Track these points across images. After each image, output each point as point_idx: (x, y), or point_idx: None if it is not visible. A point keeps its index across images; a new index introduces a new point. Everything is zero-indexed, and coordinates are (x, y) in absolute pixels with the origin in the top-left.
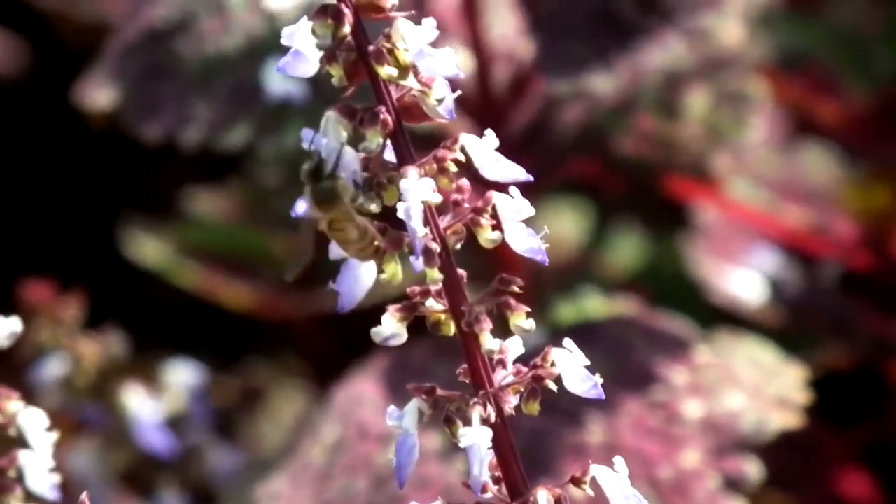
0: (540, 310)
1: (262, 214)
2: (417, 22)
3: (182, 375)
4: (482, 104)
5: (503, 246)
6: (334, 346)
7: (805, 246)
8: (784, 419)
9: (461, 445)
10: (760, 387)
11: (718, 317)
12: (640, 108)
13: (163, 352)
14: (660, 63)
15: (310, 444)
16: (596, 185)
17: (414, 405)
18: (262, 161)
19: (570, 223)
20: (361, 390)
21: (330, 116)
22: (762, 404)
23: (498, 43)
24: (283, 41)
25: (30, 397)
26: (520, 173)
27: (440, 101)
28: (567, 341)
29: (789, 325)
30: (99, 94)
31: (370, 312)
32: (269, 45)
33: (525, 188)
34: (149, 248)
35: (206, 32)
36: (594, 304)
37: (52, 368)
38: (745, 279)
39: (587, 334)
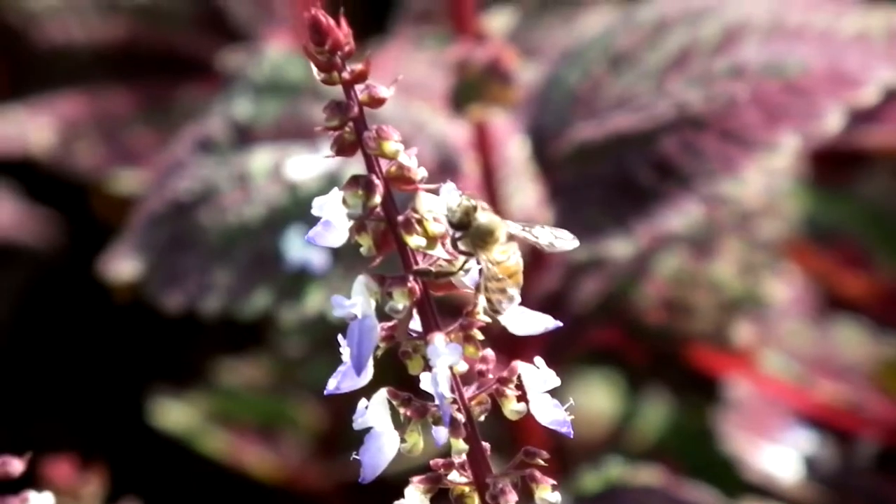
0: (565, 478)
1: (288, 383)
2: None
3: None
4: None
5: (528, 416)
6: None
7: (839, 423)
8: None
9: None
10: None
11: (750, 492)
12: (660, 275)
13: None
14: (678, 228)
15: None
16: (621, 354)
17: None
18: (284, 330)
19: (599, 393)
20: None
21: (360, 281)
22: None
23: (518, 212)
24: (313, 211)
25: None
26: (548, 322)
27: (466, 271)
28: None
29: None
30: (123, 266)
31: (395, 482)
32: (289, 214)
33: (549, 358)
34: (175, 416)
35: (228, 203)
36: (620, 473)
37: None
38: (778, 456)
39: (611, 503)
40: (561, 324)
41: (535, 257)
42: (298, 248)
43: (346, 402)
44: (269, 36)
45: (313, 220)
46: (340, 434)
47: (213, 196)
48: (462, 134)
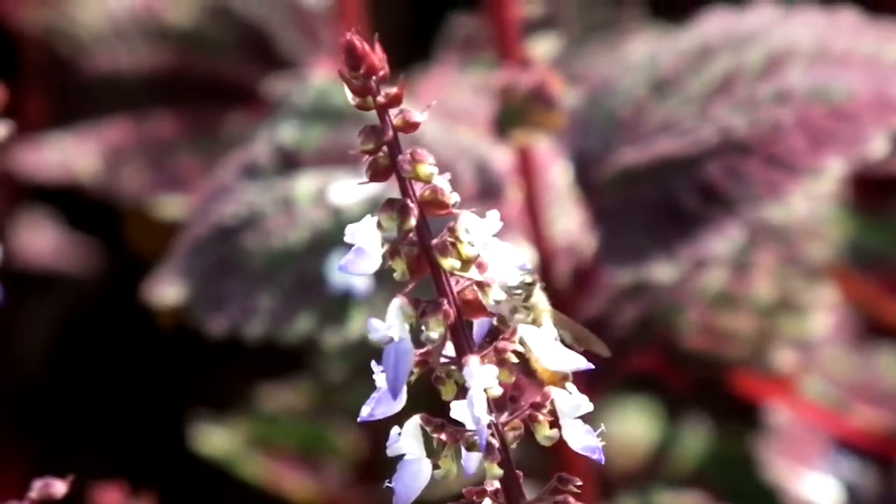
0: None
1: (329, 409)
2: (481, 217)
3: None
4: None
5: (564, 444)
6: None
7: (880, 450)
8: None
9: None
10: None
11: None
12: (701, 300)
13: None
14: (721, 252)
15: None
16: (661, 379)
17: None
18: (327, 355)
19: (638, 420)
20: None
21: (395, 304)
22: None
23: (560, 237)
24: (346, 238)
25: None
26: (580, 363)
27: (506, 287)
28: None
29: None
30: (167, 291)
31: None
32: (333, 238)
33: (588, 383)
34: (215, 441)
35: (272, 227)
36: (661, 501)
37: None
38: (819, 483)
39: None
40: (593, 366)
41: (578, 280)
42: (341, 273)
43: (387, 428)
44: (314, 63)
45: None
46: (380, 460)
47: (258, 221)
48: (506, 159)
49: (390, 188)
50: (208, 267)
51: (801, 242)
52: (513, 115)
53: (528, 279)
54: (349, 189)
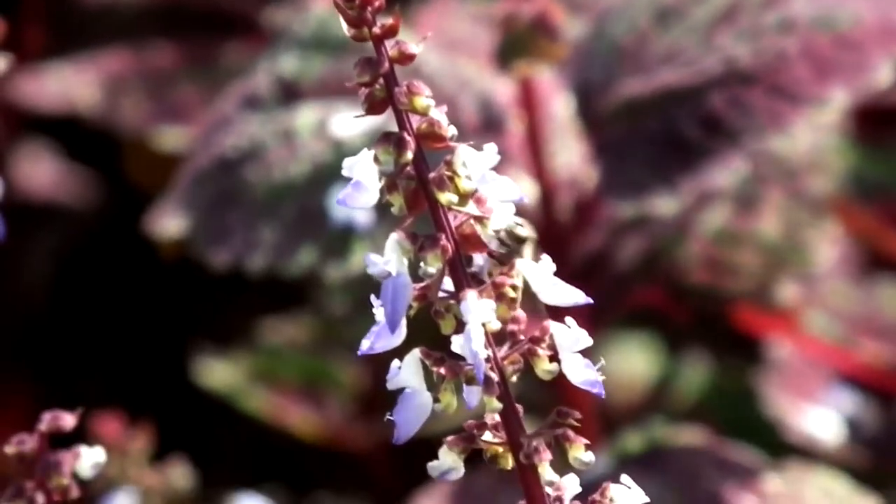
0: (607, 440)
1: (331, 343)
2: (479, 150)
3: None
4: (545, 232)
5: (565, 378)
6: (402, 474)
7: (882, 384)
8: None
9: None
10: None
11: (792, 454)
12: (703, 234)
13: (232, 485)
14: (724, 184)
15: None
16: (663, 314)
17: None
18: (329, 289)
19: (639, 355)
20: None
21: (392, 239)
22: None
23: (562, 171)
24: (344, 172)
25: None
26: (579, 297)
27: (497, 231)
28: (625, 477)
29: (867, 466)
30: (170, 223)
31: (437, 441)
32: (334, 171)
33: (591, 318)
34: (218, 374)
35: (274, 160)
36: (662, 434)
37: (121, 502)
38: (821, 417)
39: (655, 463)
40: (591, 301)
41: (579, 215)
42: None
43: (389, 362)
44: None
45: None
46: (383, 394)
47: (260, 153)
48: (507, 91)
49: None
50: (210, 199)
51: (804, 176)
52: (515, 45)
53: (523, 233)
54: (350, 121)
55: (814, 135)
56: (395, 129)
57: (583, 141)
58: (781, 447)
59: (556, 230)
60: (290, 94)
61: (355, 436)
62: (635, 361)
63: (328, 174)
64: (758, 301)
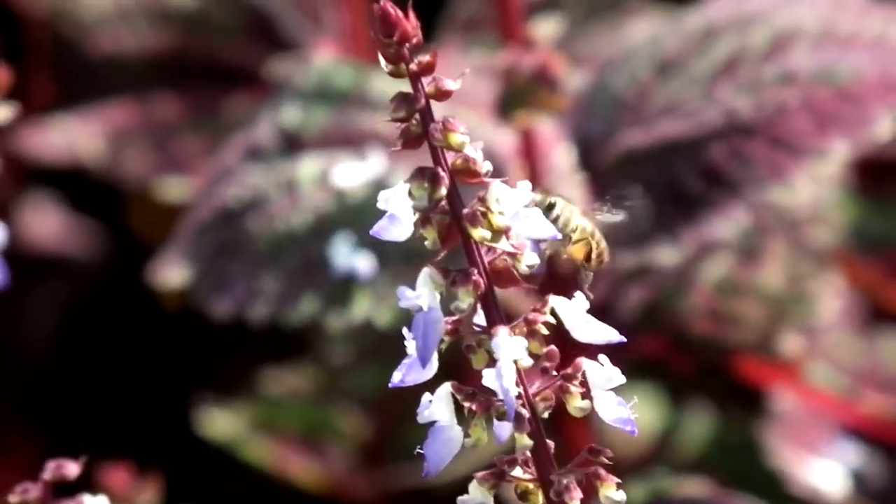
0: None
1: (333, 392)
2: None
3: None
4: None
5: (571, 420)
6: None
7: (887, 436)
8: None
9: None
10: None
11: None
12: (706, 284)
13: None
14: (726, 235)
15: None
16: (665, 364)
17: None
18: (330, 339)
19: (642, 405)
20: None
21: (425, 273)
22: None
23: None
24: (379, 205)
25: None
26: (612, 335)
27: (531, 266)
28: None
29: None
30: (173, 274)
31: (443, 494)
32: (336, 221)
33: None
34: (220, 424)
35: (276, 210)
36: (666, 486)
37: None
38: (825, 470)
39: None
40: (625, 339)
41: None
42: (345, 255)
43: (391, 412)
44: (316, 45)
45: (360, 227)
46: (385, 443)
47: (261, 203)
48: (509, 141)
49: (394, 169)
50: (212, 249)
51: (806, 227)
52: (516, 96)
53: (550, 200)
54: (352, 171)
55: (815, 187)
56: (398, 178)
57: (584, 191)
58: (786, 500)
59: (556, 280)
60: (292, 144)
61: (357, 486)
62: (639, 412)
63: (330, 224)
64: (761, 352)
